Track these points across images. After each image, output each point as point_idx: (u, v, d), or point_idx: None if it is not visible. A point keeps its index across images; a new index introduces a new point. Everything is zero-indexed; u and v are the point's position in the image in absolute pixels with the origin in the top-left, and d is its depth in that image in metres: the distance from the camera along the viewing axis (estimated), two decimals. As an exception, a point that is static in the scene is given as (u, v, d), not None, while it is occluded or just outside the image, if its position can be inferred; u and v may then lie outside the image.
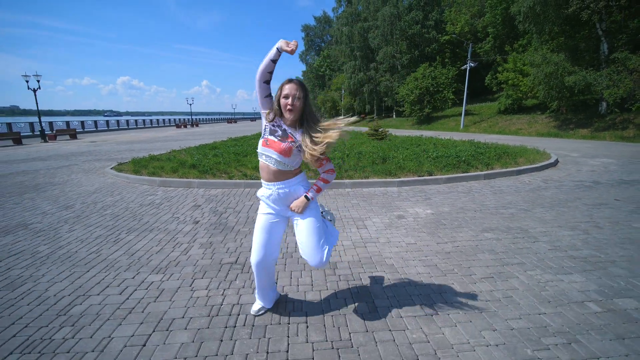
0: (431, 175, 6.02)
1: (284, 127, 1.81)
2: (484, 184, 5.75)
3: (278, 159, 1.78)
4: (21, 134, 18.68)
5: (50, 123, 25.09)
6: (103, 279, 2.63)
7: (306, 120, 1.78)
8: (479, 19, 30.74)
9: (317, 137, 1.73)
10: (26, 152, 12.78)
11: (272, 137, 1.79)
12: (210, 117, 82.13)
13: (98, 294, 2.40)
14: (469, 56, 24.72)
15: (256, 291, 2.12)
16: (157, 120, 44.85)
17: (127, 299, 2.33)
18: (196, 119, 55.10)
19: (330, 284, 2.49)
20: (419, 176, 5.95)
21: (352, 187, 5.63)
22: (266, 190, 1.89)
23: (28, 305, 2.28)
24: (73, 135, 21.27)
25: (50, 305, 2.27)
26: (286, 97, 1.73)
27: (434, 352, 1.75)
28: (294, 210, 1.88)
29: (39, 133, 19.69)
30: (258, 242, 1.93)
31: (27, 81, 18.43)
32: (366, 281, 2.53)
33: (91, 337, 1.93)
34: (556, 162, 7.76)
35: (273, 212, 1.93)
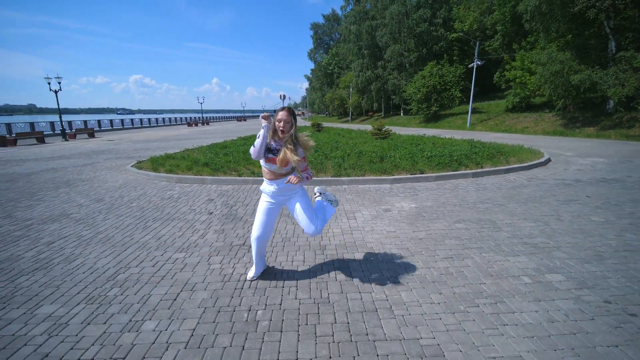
0: (423, 173, 6.54)
1: (279, 145, 2.41)
2: (471, 182, 6.24)
3: (278, 169, 2.44)
4: (44, 133, 19.80)
5: (70, 122, 26.31)
6: (138, 256, 3.29)
7: (293, 138, 2.43)
8: (487, 17, 30.67)
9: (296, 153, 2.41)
10: (51, 151, 13.75)
11: (271, 155, 2.42)
12: (220, 114, 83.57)
13: (136, 266, 3.06)
14: (476, 54, 24.85)
15: (253, 260, 2.78)
16: (170, 118, 46.09)
17: (159, 270, 2.98)
18: (207, 117, 56.29)
19: (318, 260, 3.09)
20: (411, 174, 6.48)
21: (349, 184, 6.20)
22: (269, 186, 2.54)
23: (84, 273, 2.95)
24: (91, 134, 22.39)
25: (101, 274, 2.93)
26: (279, 121, 2.39)
27: (390, 306, 2.33)
28: (291, 181, 2.38)
29: (59, 132, 20.80)
30: (260, 222, 2.61)
31: (49, 83, 19.52)
32: (348, 259, 3.12)
33: (135, 294, 2.57)
34: (547, 161, 8.15)
35: (273, 200, 2.58)
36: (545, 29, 19.43)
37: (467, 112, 26.16)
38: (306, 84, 79.69)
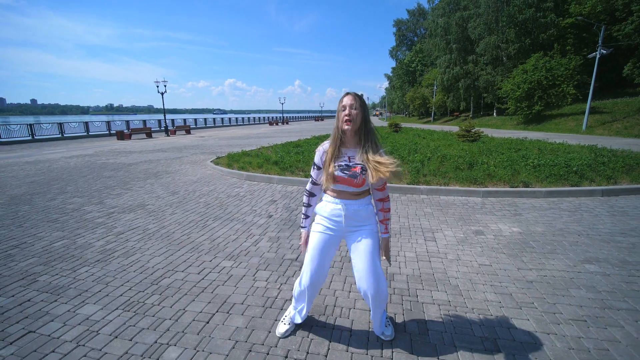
0: (527, 186, 5.19)
1: (347, 155, 1.69)
2: (600, 202, 4.69)
3: (352, 190, 1.71)
4: (152, 129, 23.07)
5: (172, 120, 30.31)
6: (188, 258, 3.10)
7: (365, 134, 1.67)
8: (618, -5, 24.78)
9: (381, 160, 1.62)
10: (153, 144, 15.75)
11: (340, 174, 1.66)
12: (300, 115, 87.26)
13: (182, 271, 2.84)
14: (600, 41, 20.24)
15: (291, 311, 2.07)
16: (254, 118, 49.72)
17: (203, 279, 2.70)
18: (287, 116, 59.14)
19: (383, 295, 2.41)
20: (511, 187, 5.20)
21: (428, 194, 5.27)
22: (333, 207, 1.76)
23: (134, 271, 2.86)
24: (188, 131, 25.27)
25: (149, 274, 2.79)
26: (344, 108, 1.65)
27: (487, 395, 1.55)
28: (387, 259, 1.81)
29: (164, 129, 24.03)
30: (315, 263, 1.80)
31: (157, 86, 22.63)
32: (422, 299, 2.37)
33: (171, 307, 2.31)
34: None
35: (332, 231, 1.79)
36: None
37: (581, 113, 21.63)
38: (386, 84, 77.37)
